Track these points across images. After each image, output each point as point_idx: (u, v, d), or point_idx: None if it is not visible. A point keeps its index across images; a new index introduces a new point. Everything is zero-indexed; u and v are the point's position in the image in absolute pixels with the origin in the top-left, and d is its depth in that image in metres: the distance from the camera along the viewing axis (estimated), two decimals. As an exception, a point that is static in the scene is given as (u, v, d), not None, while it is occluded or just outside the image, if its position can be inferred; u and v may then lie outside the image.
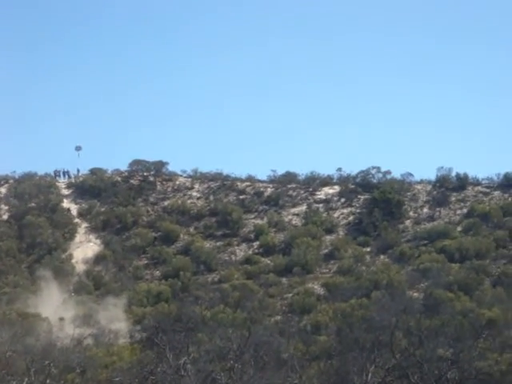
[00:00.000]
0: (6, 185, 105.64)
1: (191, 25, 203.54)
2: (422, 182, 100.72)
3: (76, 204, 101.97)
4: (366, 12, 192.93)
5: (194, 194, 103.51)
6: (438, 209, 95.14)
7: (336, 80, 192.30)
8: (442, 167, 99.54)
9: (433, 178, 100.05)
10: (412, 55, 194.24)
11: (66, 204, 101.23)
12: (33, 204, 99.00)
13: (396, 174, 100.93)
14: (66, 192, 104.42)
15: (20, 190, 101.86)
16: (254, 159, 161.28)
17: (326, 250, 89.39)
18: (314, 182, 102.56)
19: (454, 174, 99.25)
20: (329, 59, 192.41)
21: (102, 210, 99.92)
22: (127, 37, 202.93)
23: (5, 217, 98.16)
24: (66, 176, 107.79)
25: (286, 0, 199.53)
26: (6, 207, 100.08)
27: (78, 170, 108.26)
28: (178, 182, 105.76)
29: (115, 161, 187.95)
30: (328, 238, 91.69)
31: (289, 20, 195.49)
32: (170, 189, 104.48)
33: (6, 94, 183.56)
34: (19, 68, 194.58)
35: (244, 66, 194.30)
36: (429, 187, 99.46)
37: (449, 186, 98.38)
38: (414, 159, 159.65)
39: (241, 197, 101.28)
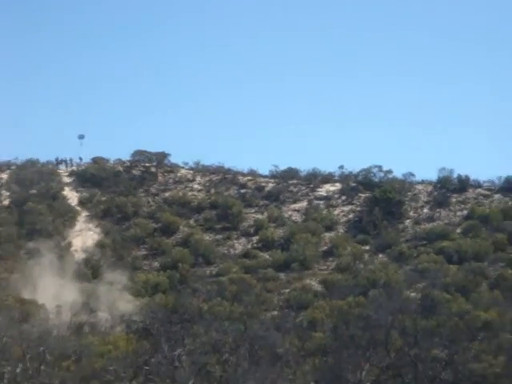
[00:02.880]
0: (8, 171, 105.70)
1: (197, 15, 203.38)
2: (423, 182, 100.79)
3: (77, 192, 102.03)
4: (372, 9, 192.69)
5: (195, 186, 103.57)
6: (438, 210, 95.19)
7: (340, 77, 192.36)
8: (444, 168, 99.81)
9: (434, 178, 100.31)
10: (416, 55, 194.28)
11: (66, 192, 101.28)
12: (34, 191, 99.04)
13: (397, 173, 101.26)
14: (67, 180, 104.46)
15: (22, 176, 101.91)
16: (256, 154, 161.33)
17: (325, 247, 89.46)
18: (316, 179, 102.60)
19: (455, 175, 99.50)
20: (333, 56, 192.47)
21: (103, 199, 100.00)
22: (132, 27, 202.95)
23: (6, 203, 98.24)
24: (67, 164, 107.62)
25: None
26: (8, 193, 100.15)
27: (81, 159, 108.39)
28: (179, 174, 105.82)
29: (118, 150, 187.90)
30: (327, 235, 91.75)
31: (294, 14, 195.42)
32: (171, 180, 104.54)
33: (9, 81, 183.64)
34: (23, 55, 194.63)
35: (249, 60, 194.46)
36: (430, 188, 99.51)
37: (450, 188, 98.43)
38: (416, 159, 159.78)
39: (242, 191, 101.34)
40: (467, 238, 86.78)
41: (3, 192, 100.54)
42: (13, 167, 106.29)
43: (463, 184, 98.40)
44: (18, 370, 41.24)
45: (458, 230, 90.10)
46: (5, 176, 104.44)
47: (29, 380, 40.68)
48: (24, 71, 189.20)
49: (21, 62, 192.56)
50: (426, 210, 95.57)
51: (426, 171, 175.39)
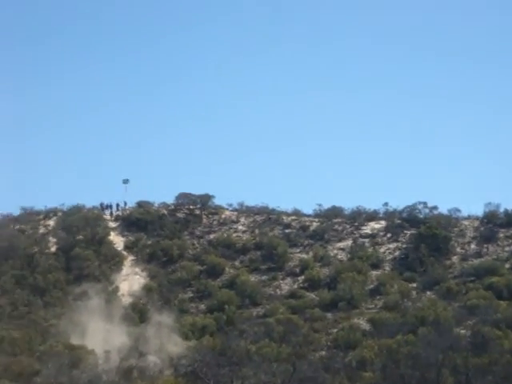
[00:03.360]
0: (55, 217, 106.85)
1: (238, 62, 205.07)
2: (469, 217, 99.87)
3: (123, 237, 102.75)
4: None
5: (240, 227, 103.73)
6: (485, 245, 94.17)
7: (382, 114, 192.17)
8: (490, 203, 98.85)
9: (480, 213, 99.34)
10: (463, 87, 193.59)
11: (112, 237, 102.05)
12: (80, 237, 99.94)
13: (443, 209, 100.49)
14: (112, 225, 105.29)
15: (68, 222, 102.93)
16: (299, 193, 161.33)
17: (372, 286, 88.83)
18: (360, 217, 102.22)
19: (502, 209, 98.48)
20: (373, 91, 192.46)
21: (149, 242, 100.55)
22: (185, 71, 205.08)
23: (53, 249, 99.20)
24: (112, 209, 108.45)
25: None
26: (54, 239, 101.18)
27: (125, 203, 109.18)
28: (223, 216, 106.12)
29: (162, 194, 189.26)
30: (374, 273, 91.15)
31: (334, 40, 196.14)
32: (215, 222, 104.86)
33: (52, 127, 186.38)
34: (65, 98, 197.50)
35: (287, 103, 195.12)
36: (476, 223, 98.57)
37: (497, 222, 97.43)
38: (462, 195, 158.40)
39: (286, 231, 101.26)
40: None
41: (50, 238, 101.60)
42: (59, 214, 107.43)
43: (510, 218, 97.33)
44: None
45: (507, 265, 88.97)
46: (52, 223, 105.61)
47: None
48: (67, 116, 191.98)
49: (63, 106, 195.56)
50: (473, 246, 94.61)
51: (472, 206, 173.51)
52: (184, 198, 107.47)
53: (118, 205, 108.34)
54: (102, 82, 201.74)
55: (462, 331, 76.86)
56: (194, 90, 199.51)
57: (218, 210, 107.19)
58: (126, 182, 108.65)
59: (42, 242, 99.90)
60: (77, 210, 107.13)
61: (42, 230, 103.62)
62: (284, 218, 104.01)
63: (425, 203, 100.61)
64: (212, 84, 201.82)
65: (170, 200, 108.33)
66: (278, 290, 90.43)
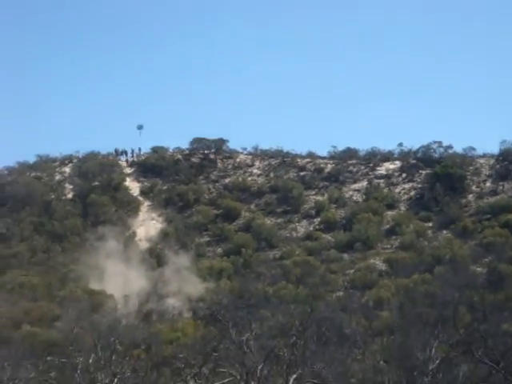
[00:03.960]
0: (70, 164, 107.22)
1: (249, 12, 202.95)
2: (484, 155, 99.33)
3: (138, 182, 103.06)
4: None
5: (255, 171, 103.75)
6: (501, 183, 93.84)
7: (397, 53, 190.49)
8: (505, 140, 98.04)
9: (496, 151, 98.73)
10: (476, 29, 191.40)
11: (128, 183, 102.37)
12: (96, 183, 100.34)
13: (458, 148, 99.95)
14: (128, 171, 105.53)
15: (84, 169, 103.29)
16: (314, 135, 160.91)
17: (388, 226, 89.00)
18: (375, 158, 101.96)
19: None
20: (394, 31, 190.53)
21: (164, 188, 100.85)
22: (189, 23, 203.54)
23: (69, 196, 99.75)
24: (127, 154, 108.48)
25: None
26: (71, 186, 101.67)
27: (140, 149, 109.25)
28: (238, 160, 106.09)
29: (176, 139, 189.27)
30: (389, 213, 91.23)
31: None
32: (230, 166, 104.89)
33: (67, 76, 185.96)
34: (80, 49, 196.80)
35: (300, 43, 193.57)
36: (492, 161, 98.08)
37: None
38: (477, 133, 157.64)
39: (301, 173, 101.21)
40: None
41: (67, 185, 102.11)
42: (74, 160, 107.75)
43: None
44: (90, 361, 41.92)
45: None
46: (67, 169, 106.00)
47: (101, 370, 41.32)
48: (81, 64, 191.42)
49: (77, 55, 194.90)
50: (488, 184, 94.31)
51: (488, 144, 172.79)
52: (198, 143, 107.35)
53: (132, 151, 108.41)
54: (115, 27, 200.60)
55: (478, 269, 77.17)
56: (206, 35, 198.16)
57: (232, 154, 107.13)
58: (140, 127, 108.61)
59: (58, 189, 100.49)
60: (92, 156, 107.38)
61: (58, 177, 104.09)
62: (299, 160, 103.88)
63: (439, 142, 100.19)
64: (223, 29, 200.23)
65: (185, 145, 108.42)
66: (293, 233, 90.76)
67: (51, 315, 72.06)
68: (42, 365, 44.77)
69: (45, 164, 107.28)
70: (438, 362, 42.42)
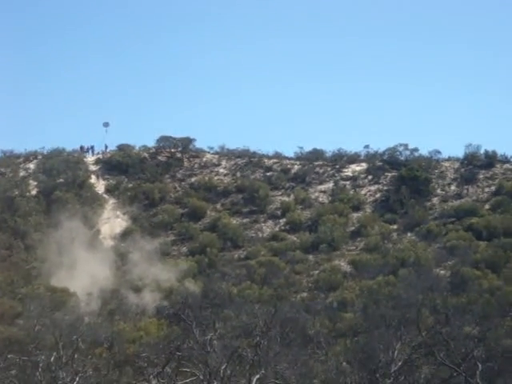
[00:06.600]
0: (35, 160, 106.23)
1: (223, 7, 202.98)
2: (449, 159, 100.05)
3: (103, 180, 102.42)
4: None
5: (221, 170, 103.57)
6: (465, 186, 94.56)
7: (363, 57, 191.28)
8: (471, 144, 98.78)
9: (461, 155, 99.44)
10: (442, 30, 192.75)
11: (93, 180, 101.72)
12: (61, 180, 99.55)
13: (424, 151, 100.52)
14: (93, 168, 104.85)
15: (48, 165, 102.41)
16: (281, 136, 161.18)
17: (353, 228, 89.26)
18: (341, 159, 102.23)
19: (482, 151, 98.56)
20: (355, 38, 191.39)
21: (130, 186, 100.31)
22: (157, 19, 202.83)
23: (33, 192, 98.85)
24: (91, 152, 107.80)
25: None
26: (35, 183, 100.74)
27: (106, 146, 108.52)
28: (204, 159, 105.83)
29: (143, 137, 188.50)
30: (355, 215, 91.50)
31: None
32: (196, 165, 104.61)
33: (33, 70, 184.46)
34: (48, 47, 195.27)
35: (270, 43, 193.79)
36: (457, 164, 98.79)
37: (477, 164, 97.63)
38: (442, 136, 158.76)
39: (268, 173, 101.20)
40: (496, 213, 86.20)
41: (31, 182, 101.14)
42: (39, 157, 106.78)
43: (491, 159, 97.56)
44: (52, 359, 41.55)
45: (487, 206, 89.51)
46: (32, 166, 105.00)
47: (63, 368, 40.99)
48: (48, 60, 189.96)
49: (45, 51, 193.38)
50: (453, 187, 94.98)
51: (453, 148, 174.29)
52: (165, 141, 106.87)
53: (92, 148, 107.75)
54: (81, 23, 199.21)
55: (442, 272, 77.68)
56: (173, 33, 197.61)
57: (199, 153, 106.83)
58: (106, 125, 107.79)
59: (22, 185, 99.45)
60: (57, 153, 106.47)
61: (22, 174, 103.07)
62: (265, 160, 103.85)
63: (405, 145, 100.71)
64: (187, 26, 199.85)
65: (151, 143, 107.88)
66: (259, 233, 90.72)
67: (13, 312, 71.37)
68: (3, 362, 44.27)
69: (9, 160, 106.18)
70: (400, 363, 42.60)
